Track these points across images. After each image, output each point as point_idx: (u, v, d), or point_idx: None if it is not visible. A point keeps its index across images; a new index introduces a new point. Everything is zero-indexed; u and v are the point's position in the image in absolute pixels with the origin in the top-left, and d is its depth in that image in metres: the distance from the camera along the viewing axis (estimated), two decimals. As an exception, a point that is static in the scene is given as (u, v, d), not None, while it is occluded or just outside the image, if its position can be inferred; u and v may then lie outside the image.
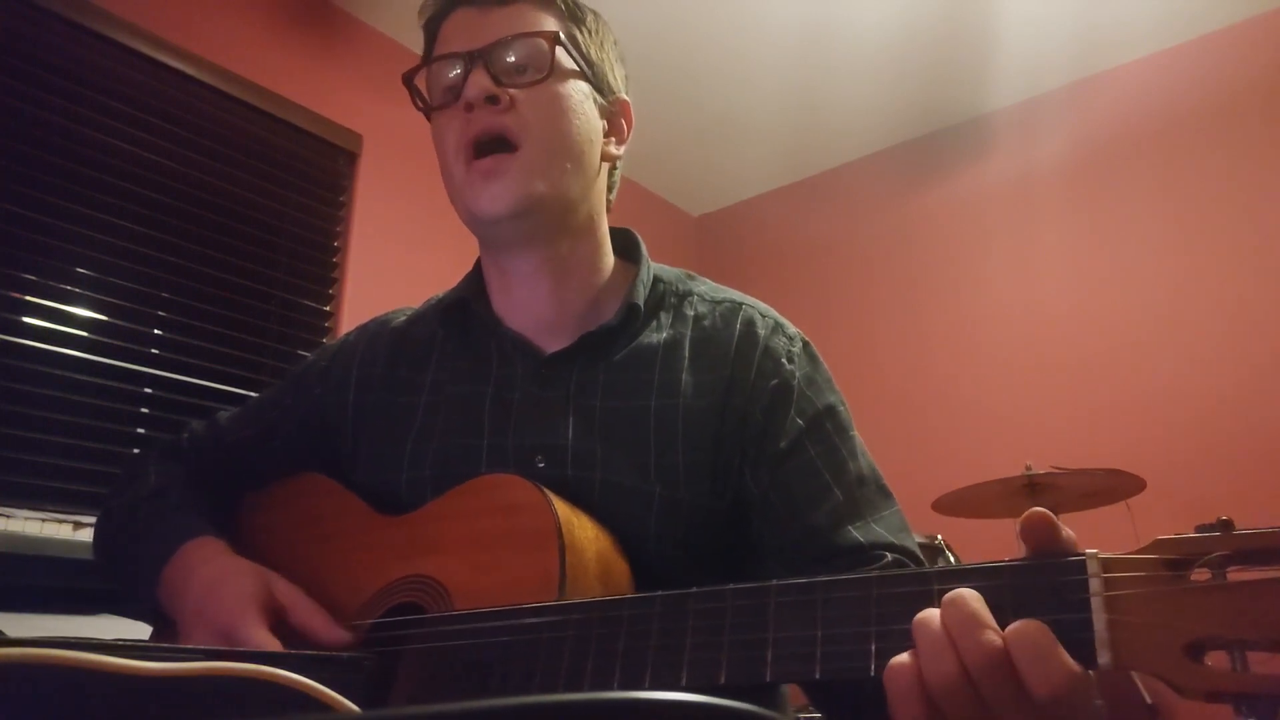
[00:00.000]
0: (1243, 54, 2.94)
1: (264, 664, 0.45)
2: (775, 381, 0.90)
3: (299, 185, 2.67)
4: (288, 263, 2.61)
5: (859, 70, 3.20)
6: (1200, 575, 0.50)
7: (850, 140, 3.65)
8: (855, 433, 0.93)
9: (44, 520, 1.88)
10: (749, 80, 3.26)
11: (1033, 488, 2.34)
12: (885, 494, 0.90)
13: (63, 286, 2.14)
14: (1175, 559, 0.51)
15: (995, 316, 3.25)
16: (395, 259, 2.79)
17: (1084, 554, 0.53)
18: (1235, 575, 0.50)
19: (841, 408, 0.94)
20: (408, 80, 0.96)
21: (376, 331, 1.05)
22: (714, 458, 0.87)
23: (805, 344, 0.96)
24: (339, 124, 2.77)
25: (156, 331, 2.31)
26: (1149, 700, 2.29)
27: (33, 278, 2.09)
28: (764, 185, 4.01)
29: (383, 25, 2.95)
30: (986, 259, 3.33)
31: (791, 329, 0.97)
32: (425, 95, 0.96)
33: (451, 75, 0.91)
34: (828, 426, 0.90)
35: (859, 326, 3.57)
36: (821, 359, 0.97)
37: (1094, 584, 0.52)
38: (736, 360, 0.91)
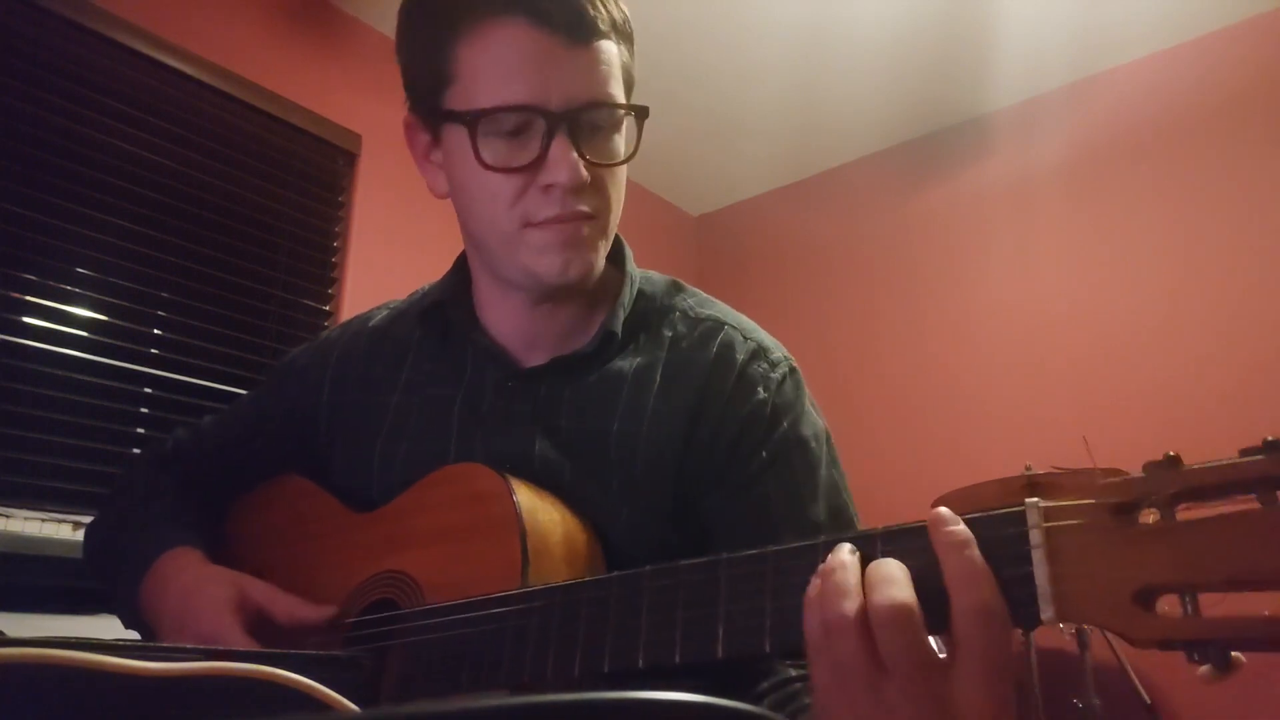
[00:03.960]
0: (1243, 54, 2.94)
1: (264, 664, 0.45)
2: (746, 411, 0.84)
3: (298, 185, 2.67)
4: (287, 263, 2.61)
5: (859, 70, 3.19)
6: (1149, 517, 0.48)
7: (850, 140, 3.65)
8: (829, 471, 0.86)
9: (44, 520, 1.88)
10: (749, 80, 3.26)
11: (1033, 488, 2.34)
12: None
13: (63, 286, 2.14)
14: (1121, 502, 0.48)
15: (995, 316, 3.25)
16: (394, 259, 2.79)
17: (1024, 504, 0.51)
18: (1185, 514, 0.47)
19: (814, 444, 0.86)
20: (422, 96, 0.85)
21: (357, 330, 1.03)
22: (675, 488, 0.83)
23: (790, 371, 0.89)
24: (338, 124, 2.77)
25: (156, 331, 2.31)
26: (1149, 700, 2.29)
27: (33, 278, 2.09)
28: (764, 185, 4.01)
29: (383, 25, 2.94)
30: (986, 259, 3.33)
31: (776, 354, 0.89)
32: (452, 110, 0.81)
33: (519, 127, 0.79)
34: (794, 463, 0.84)
35: (859, 326, 3.57)
36: (805, 388, 0.90)
37: (1034, 535, 0.49)
38: (708, 386, 0.85)
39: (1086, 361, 2.99)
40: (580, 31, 0.77)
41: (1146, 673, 2.36)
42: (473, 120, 0.78)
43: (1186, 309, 2.86)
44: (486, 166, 0.79)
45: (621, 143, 0.84)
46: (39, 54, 2.17)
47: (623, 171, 0.85)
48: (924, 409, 3.30)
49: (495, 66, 0.78)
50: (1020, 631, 2.48)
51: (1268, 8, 2.91)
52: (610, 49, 0.81)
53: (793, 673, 0.77)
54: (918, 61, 3.16)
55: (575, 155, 0.77)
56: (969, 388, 3.22)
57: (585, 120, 0.79)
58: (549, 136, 0.77)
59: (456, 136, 0.81)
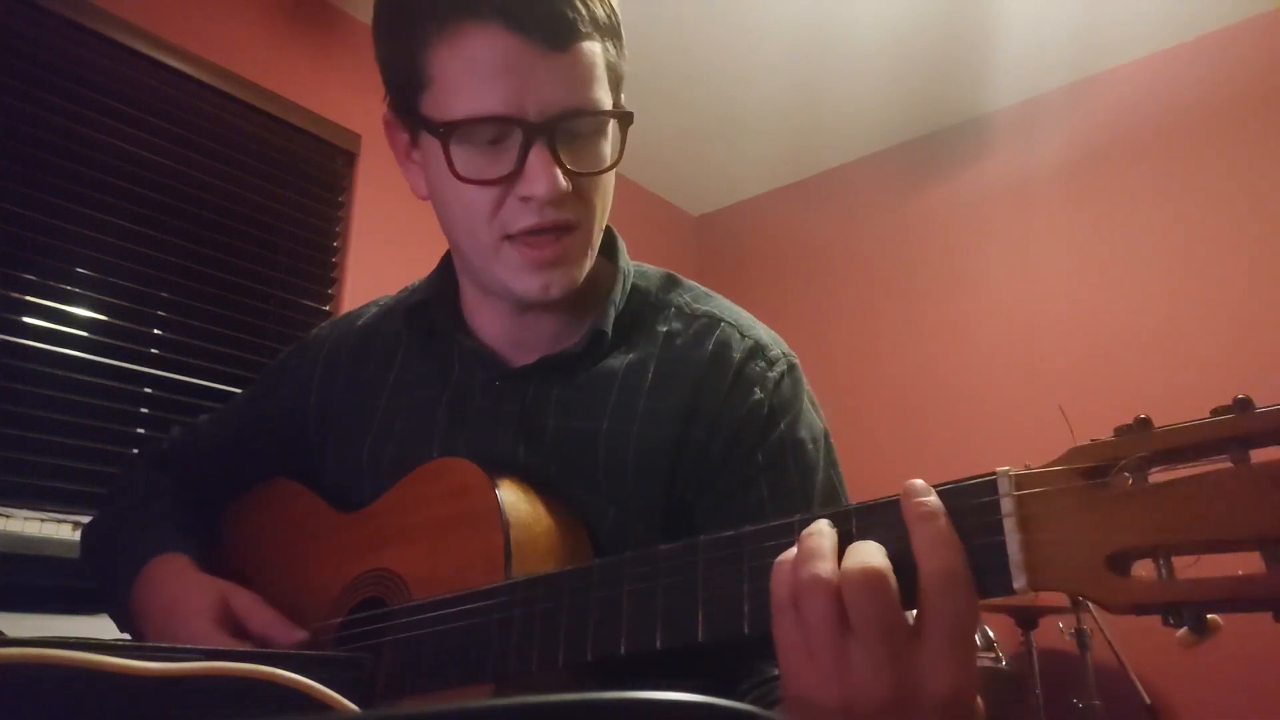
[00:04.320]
0: (1242, 54, 2.94)
1: (264, 664, 0.45)
2: (743, 412, 0.81)
3: (298, 185, 2.67)
4: (287, 262, 2.62)
5: (859, 70, 3.20)
6: (1121, 481, 0.47)
7: (850, 140, 3.66)
8: (827, 474, 0.83)
9: (44, 520, 1.89)
10: (749, 80, 3.26)
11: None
12: None
13: (63, 286, 2.15)
14: (1093, 466, 0.47)
15: (995, 316, 3.25)
16: (394, 259, 2.78)
17: (995, 472, 0.50)
18: (1157, 477, 0.46)
19: (812, 447, 0.83)
20: (400, 98, 0.80)
21: (346, 329, 1.02)
22: (668, 489, 0.80)
23: (789, 369, 0.85)
24: (338, 124, 2.77)
25: (156, 331, 2.31)
26: (1148, 700, 2.29)
27: (33, 278, 2.09)
28: (764, 185, 4.01)
29: (383, 25, 2.95)
30: (986, 259, 3.33)
31: (775, 351, 0.86)
32: (427, 117, 0.77)
33: (496, 138, 0.75)
34: (790, 466, 0.81)
35: (859, 326, 3.57)
36: (805, 386, 0.86)
37: (1006, 504, 0.48)
38: (703, 386, 0.82)
39: (1086, 361, 2.99)
40: (559, 36, 0.73)
41: (1146, 673, 2.36)
42: (446, 132, 0.75)
43: (1186, 309, 2.86)
44: (461, 179, 0.75)
45: (606, 147, 0.80)
46: (39, 54, 2.17)
47: (609, 176, 0.82)
48: (924, 409, 3.30)
49: (469, 75, 0.73)
50: (1021, 632, 2.48)
51: (1268, 8, 2.91)
52: (593, 50, 0.75)
53: (775, 671, 0.76)
54: (918, 61, 3.16)
55: (554, 166, 0.74)
56: (968, 388, 3.22)
57: (565, 129, 0.75)
58: (526, 147, 0.74)
59: (432, 144, 0.78)
